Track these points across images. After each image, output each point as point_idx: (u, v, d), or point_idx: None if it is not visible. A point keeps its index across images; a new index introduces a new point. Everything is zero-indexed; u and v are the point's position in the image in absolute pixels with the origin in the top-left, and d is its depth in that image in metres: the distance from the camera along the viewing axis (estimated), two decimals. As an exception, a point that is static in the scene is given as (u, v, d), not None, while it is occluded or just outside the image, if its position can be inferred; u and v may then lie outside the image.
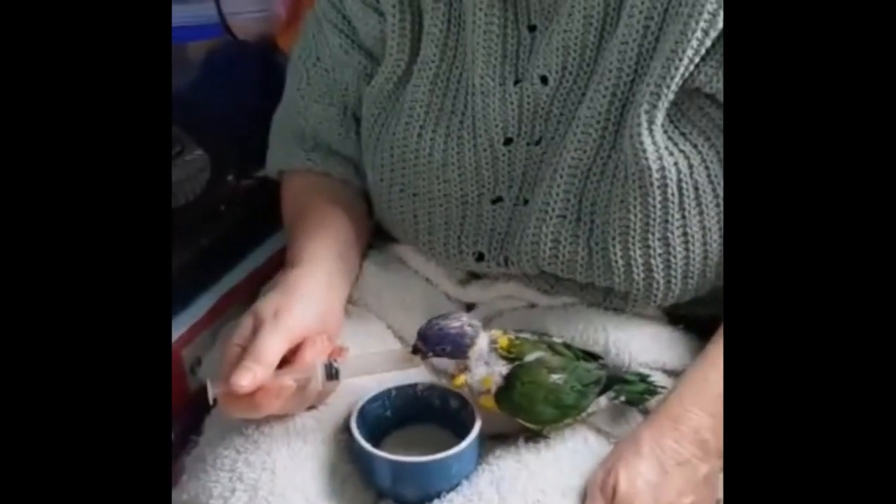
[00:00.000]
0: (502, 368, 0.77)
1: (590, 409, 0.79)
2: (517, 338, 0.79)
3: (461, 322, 0.77)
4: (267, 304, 0.80)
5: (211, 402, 0.76)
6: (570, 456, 0.78)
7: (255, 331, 0.78)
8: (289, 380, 0.76)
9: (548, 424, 0.78)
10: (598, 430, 0.81)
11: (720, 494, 0.77)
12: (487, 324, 0.85)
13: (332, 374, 0.76)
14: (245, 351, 0.76)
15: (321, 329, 0.81)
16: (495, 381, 0.77)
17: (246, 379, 0.73)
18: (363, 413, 0.79)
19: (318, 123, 0.96)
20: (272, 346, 0.76)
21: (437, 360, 0.78)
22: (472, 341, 0.77)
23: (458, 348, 0.76)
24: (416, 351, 0.77)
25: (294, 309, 0.80)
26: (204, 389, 0.92)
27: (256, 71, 1.20)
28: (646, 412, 0.82)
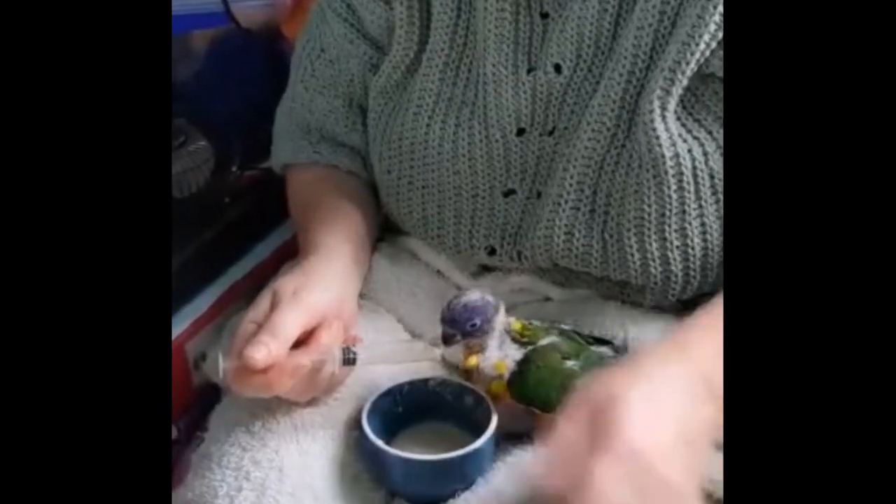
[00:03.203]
0: (515, 353, 0.76)
1: None
2: (530, 323, 0.78)
3: (480, 293, 0.77)
4: (286, 283, 0.78)
5: (221, 375, 0.73)
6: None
7: (273, 308, 0.76)
8: (304, 360, 0.74)
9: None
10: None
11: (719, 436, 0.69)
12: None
13: (348, 358, 0.74)
14: (260, 328, 0.74)
15: (338, 315, 0.79)
16: (508, 365, 0.75)
17: (261, 353, 0.71)
18: (374, 409, 0.77)
19: (323, 115, 0.95)
20: (290, 322, 0.74)
21: (445, 351, 0.77)
22: (496, 310, 0.76)
23: (486, 320, 0.76)
24: (446, 339, 0.76)
25: (313, 289, 0.78)
26: (209, 384, 0.91)
27: (261, 60, 1.19)
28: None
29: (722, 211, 0.79)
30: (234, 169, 1.09)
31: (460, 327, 0.75)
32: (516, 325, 0.77)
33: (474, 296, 0.76)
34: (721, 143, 0.78)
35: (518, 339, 0.76)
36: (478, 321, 0.75)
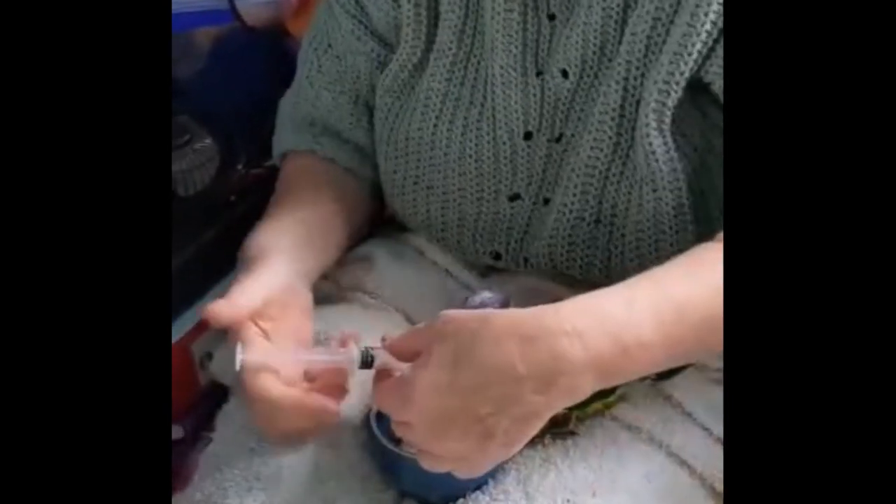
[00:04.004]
0: None
1: (619, 392, 0.77)
2: None
3: (492, 293, 0.78)
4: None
5: (238, 367, 0.72)
6: (599, 454, 0.75)
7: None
8: (320, 357, 0.73)
9: (574, 409, 0.75)
10: (629, 427, 0.78)
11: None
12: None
13: (367, 361, 0.72)
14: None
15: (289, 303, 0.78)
16: None
17: (220, 306, 0.72)
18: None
19: (328, 112, 0.94)
20: (250, 288, 0.75)
21: None
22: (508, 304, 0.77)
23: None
24: None
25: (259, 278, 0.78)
26: (215, 384, 0.90)
27: (266, 58, 1.18)
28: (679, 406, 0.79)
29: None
30: (239, 167, 1.08)
31: None
32: None
33: (488, 294, 0.77)
34: (705, 159, 0.78)
35: None
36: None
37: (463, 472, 0.66)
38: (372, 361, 0.72)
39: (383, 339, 0.70)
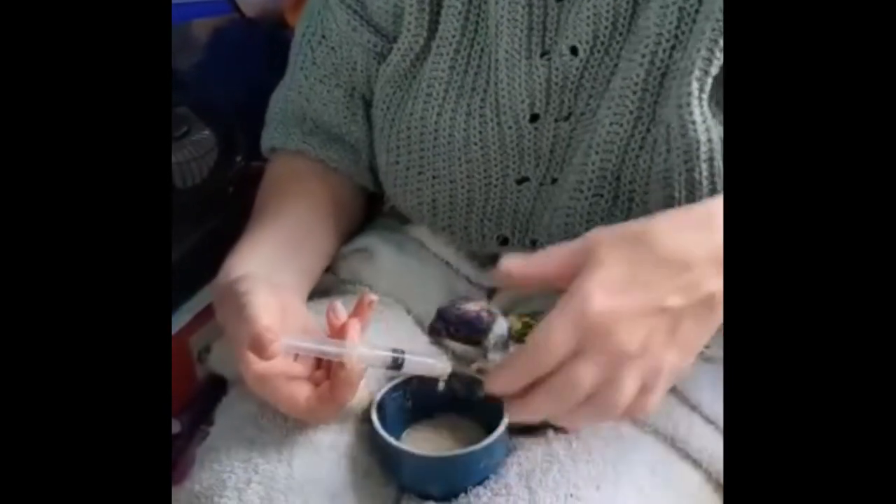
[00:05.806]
0: None
1: None
2: (533, 318, 0.75)
3: (479, 307, 0.75)
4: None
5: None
6: (602, 447, 0.74)
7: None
8: (315, 346, 0.71)
9: None
10: (633, 419, 0.77)
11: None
12: (513, 308, 0.81)
13: (397, 361, 0.71)
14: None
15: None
16: None
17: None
18: (383, 404, 0.75)
19: (322, 105, 0.93)
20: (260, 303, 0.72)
21: (455, 345, 0.75)
22: (489, 327, 0.73)
23: (473, 333, 0.73)
24: (433, 330, 0.75)
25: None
26: (213, 378, 0.90)
27: (265, 49, 1.17)
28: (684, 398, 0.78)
29: None
30: (237, 159, 1.08)
31: (446, 329, 0.74)
32: (517, 324, 0.75)
33: (473, 307, 0.75)
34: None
35: (521, 339, 0.74)
36: (463, 332, 0.74)
37: (639, 405, 0.63)
38: (401, 363, 0.71)
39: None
